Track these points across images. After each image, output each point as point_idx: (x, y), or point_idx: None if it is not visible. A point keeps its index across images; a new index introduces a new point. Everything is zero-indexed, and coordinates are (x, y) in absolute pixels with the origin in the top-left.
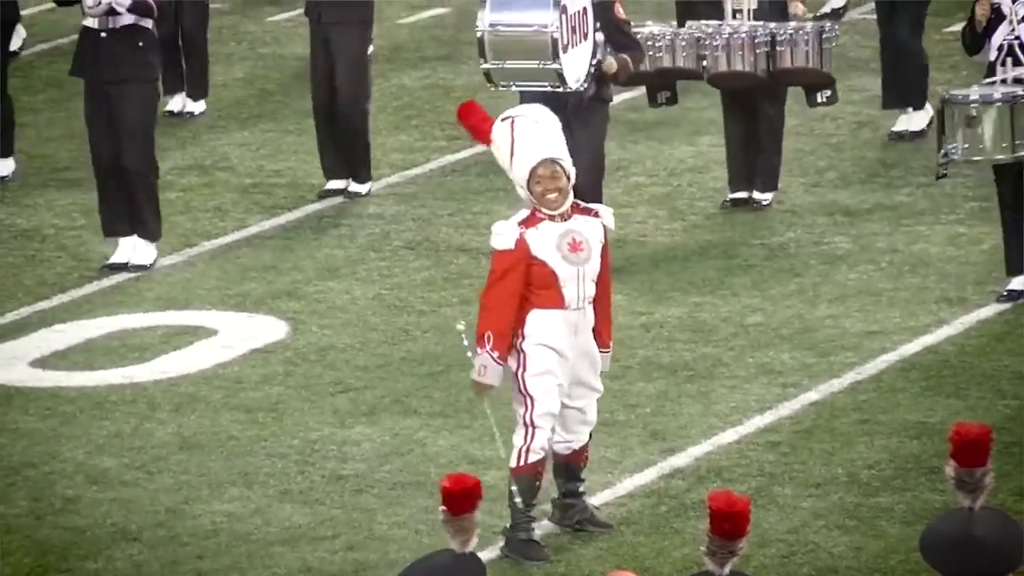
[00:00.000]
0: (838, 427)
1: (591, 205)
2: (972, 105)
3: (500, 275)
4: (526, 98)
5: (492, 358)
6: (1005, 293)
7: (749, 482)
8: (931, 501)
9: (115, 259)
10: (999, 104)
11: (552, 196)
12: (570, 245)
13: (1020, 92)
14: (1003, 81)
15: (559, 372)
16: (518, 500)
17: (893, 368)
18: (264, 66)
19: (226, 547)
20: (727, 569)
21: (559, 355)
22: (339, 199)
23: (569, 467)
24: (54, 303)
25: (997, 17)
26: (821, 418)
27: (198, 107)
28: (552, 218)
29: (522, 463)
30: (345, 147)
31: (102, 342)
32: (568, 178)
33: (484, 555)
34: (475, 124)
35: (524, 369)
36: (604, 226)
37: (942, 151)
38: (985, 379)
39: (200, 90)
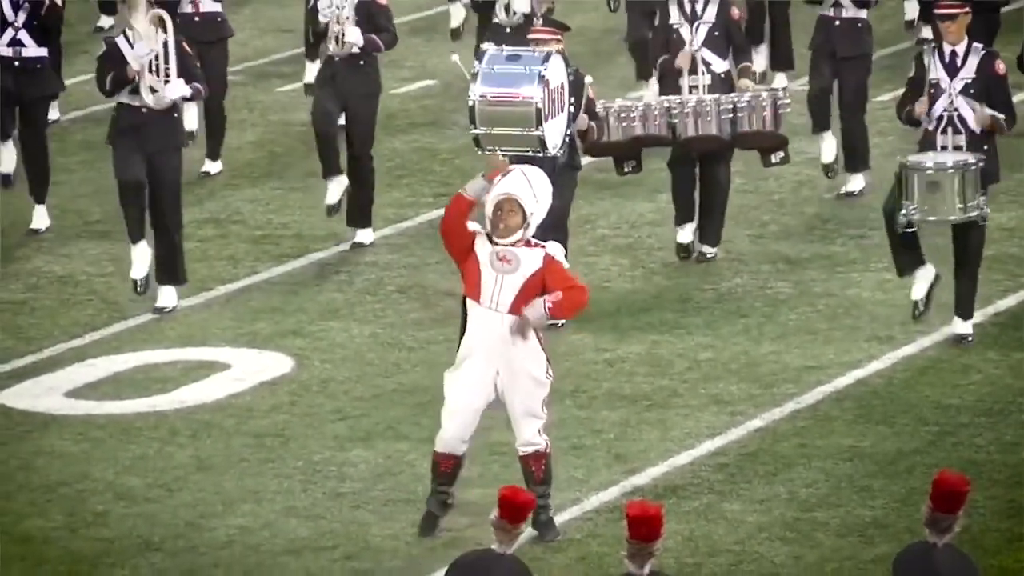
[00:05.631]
0: (780, 450)
1: (545, 244)
2: (928, 172)
3: None
4: (513, 161)
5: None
6: (960, 335)
7: (701, 499)
8: (861, 516)
9: (135, 274)
10: (951, 171)
11: (502, 226)
12: (500, 256)
13: (971, 160)
14: (943, 148)
15: (471, 374)
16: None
17: (828, 399)
18: (272, 131)
19: (239, 557)
20: (647, 570)
21: (475, 353)
22: (340, 249)
23: (523, 471)
24: (86, 340)
25: (936, 91)
26: (765, 442)
27: (215, 167)
28: (497, 244)
29: (434, 448)
30: (356, 198)
31: (128, 375)
32: (524, 219)
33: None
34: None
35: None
36: (546, 256)
37: (903, 212)
38: (909, 408)
39: (217, 152)
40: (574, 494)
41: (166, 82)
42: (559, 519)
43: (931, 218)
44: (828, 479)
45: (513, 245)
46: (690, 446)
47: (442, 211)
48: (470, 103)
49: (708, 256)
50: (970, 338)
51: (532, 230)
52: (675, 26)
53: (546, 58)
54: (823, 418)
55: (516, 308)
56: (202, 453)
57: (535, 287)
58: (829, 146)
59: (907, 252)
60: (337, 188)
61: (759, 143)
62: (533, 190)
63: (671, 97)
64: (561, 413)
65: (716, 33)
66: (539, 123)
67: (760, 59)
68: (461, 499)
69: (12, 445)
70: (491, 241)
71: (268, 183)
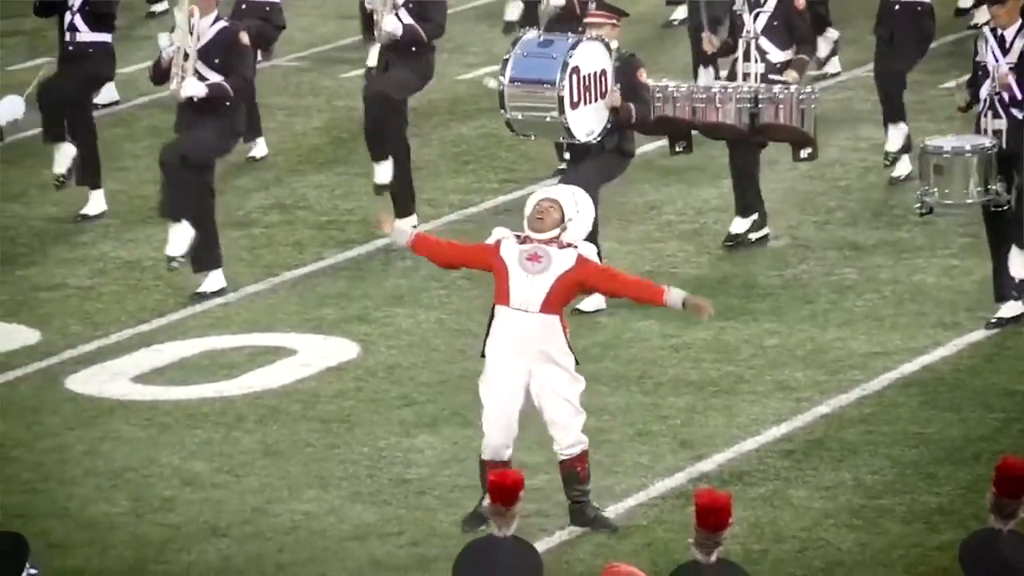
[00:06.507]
0: (846, 437)
1: (576, 244)
2: (943, 155)
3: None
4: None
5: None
6: (994, 320)
7: (767, 485)
8: (927, 503)
9: (170, 251)
10: (967, 154)
11: (538, 218)
12: (529, 256)
13: (988, 144)
14: (984, 132)
15: (504, 378)
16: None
17: (894, 385)
18: (338, 117)
19: (304, 542)
20: (713, 558)
21: (505, 356)
22: None
23: (564, 475)
24: (153, 326)
25: (983, 74)
26: (831, 429)
27: (260, 151)
28: (531, 241)
29: (480, 456)
30: (394, 184)
31: (195, 360)
32: (562, 218)
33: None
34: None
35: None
36: (579, 255)
37: (918, 193)
38: (976, 395)
39: (248, 136)
40: (640, 480)
41: (183, 78)
42: (624, 505)
43: (947, 202)
44: (894, 466)
45: (547, 243)
46: (756, 432)
47: (508, 196)
48: (499, 89)
49: (751, 240)
50: None
51: (569, 236)
52: (738, 11)
53: (575, 44)
54: (889, 404)
55: (546, 307)
56: (268, 439)
57: (566, 286)
58: (896, 134)
59: None
60: (385, 169)
61: (780, 136)
62: (575, 199)
63: (702, 83)
64: (627, 399)
65: (775, 22)
66: (562, 110)
67: (822, 44)
68: (527, 485)
69: (79, 430)
70: (521, 241)
71: (334, 169)
